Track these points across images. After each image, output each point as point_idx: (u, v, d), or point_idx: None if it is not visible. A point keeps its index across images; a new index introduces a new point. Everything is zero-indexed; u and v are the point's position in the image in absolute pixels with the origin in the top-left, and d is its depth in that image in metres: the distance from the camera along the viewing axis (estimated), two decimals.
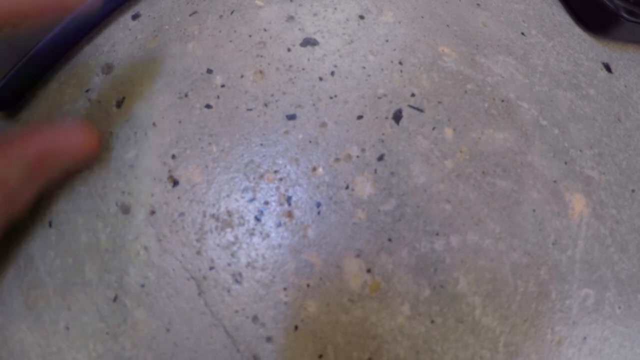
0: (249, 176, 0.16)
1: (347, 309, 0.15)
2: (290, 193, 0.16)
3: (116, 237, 0.16)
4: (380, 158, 0.16)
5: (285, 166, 0.16)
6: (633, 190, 0.19)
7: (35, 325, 0.17)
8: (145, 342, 0.15)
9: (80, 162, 0.16)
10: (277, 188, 0.16)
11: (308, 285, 0.15)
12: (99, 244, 0.16)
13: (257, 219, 0.15)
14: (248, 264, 0.15)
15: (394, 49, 0.18)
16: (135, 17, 0.19)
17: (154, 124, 0.17)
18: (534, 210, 0.17)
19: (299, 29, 0.18)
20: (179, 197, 0.16)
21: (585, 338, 0.17)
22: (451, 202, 0.16)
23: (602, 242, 0.18)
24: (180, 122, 0.17)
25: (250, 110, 0.17)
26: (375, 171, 0.16)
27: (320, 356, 0.15)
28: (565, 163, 0.18)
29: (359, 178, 0.16)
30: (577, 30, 0.22)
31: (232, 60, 0.18)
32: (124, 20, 0.19)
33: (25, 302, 0.17)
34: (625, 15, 0.21)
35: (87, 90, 0.18)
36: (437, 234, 0.16)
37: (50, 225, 0.17)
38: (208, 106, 0.17)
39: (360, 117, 0.17)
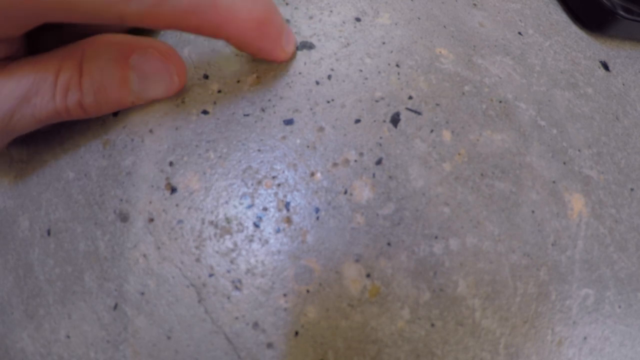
0: (247, 182, 0.16)
1: (347, 314, 0.15)
2: (288, 199, 0.16)
3: (115, 245, 0.16)
4: (379, 162, 0.16)
5: (283, 172, 0.16)
6: (632, 189, 0.19)
7: (36, 334, 0.17)
8: (146, 350, 0.15)
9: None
10: (276, 194, 0.16)
11: (308, 291, 0.15)
12: (98, 252, 0.16)
13: (256, 225, 0.15)
14: (247, 271, 0.15)
15: (391, 51, 0.18)
16: None
17: (150, 131, 0.17)
18: (533, 212, 0.17)
19: (295, 33, 0.18)
20: (177, 205, 0.16)
21: (585, 338, 0.17)
22: (450, 205, 0.16)
23: (601, 242, 0.18)
24: (177, 128, 0.17)
25: (247, 115, 0.17)
26: (374, 175, 0.16)
27: None
28: (564, 163, 0.18)
29: (357, 182, 0.16)
30: (574, 28, 0.22)
31: (228, 65, 0.17)
32: None
33: (26, 311, 0.17)
34: (622, 13, 0.21)
35: None
36: (436, 238, 0.16)
37: (49, 233, 0.17)
38: (205, 112, 0.17)
39: (357, 121, 0.17)
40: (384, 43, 0.18)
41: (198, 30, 0.14)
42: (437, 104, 0.17)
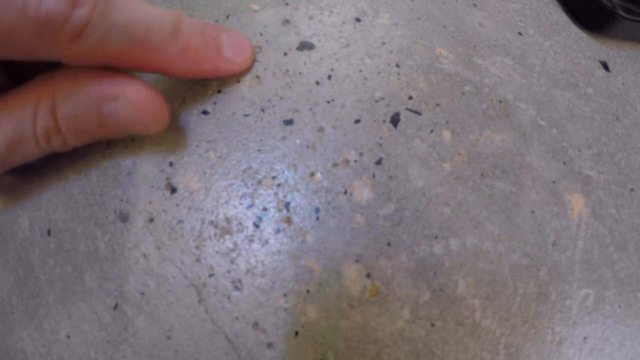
0: (247, 182, 0.16)
1: (347, 314, 0.15)
2: (288, 199, 0.16)
3: (115, 245, 0.16)
4: (379, 162, 0.16)
5: (283, 172, 0.16)
6: (632, 189, 0.19)
7: (36, 334, 0.17)
8: (147, 350, 0.15)
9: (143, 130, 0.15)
10: (276, 194, 0.16)
11: (308, 291, 0.15)
12: (98, 252, 0.16)
13: (256, 226, 0.15)
14: (247, 271, 0.15)
15: (391, 52, 0.18)
16: None
17: None
18: (533, 212, 0.17)
19: (295, 33, 0.18)
20: (177, 205, 0.16)
21: (585, 338, 0.17)
22: (450, 205, 0.16)
23: (601, 242, 0.18)
24: (177, 129, 0.17)
25: (247, 115, 0.17)
26: (374, 175, 0.16)
27: None
28: (564, 163, 0.18)
29: (357, 183, 0.16)
30: (574, 28, 0.22)
31: None
32: None
33: (26, 311, 0.17)
34: (622, 13, 0.21)
35: None
36: (436, 238, 0.16)
37: (49, 233, 0.17)
38: (205, 112, 0.17)
39: (357, 121, 0.17)
40: (384, 43, 0.18)
41: (132, 68, 0.15)
42: (437, 104, 0.17)
